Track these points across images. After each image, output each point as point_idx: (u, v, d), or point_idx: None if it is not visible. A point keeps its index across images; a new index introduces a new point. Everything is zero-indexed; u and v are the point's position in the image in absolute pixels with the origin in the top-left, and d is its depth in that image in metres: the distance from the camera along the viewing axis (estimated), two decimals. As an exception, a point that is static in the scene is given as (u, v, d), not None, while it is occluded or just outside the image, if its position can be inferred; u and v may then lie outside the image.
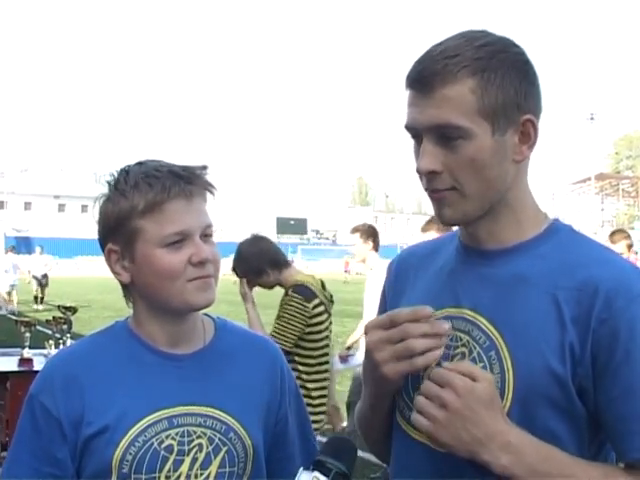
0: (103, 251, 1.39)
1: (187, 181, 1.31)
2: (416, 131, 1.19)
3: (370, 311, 5.50)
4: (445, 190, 1.17)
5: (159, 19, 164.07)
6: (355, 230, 5.52)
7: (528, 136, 1.18)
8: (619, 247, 6.03)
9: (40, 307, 20.10)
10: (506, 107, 1.15)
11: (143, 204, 1.30)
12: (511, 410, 1.13)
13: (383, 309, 1.42)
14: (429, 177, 1.18)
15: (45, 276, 21.82)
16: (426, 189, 1.21)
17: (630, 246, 6.45)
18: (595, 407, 1.13)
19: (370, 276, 5.47)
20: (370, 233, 5.44)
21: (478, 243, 1.24)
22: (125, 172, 1.35)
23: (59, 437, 1.32)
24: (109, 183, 1.36)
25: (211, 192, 1.37)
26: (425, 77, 1.15)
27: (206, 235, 1.35)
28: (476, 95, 1.14)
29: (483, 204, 1.18)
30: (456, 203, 1.18)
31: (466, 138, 1.14)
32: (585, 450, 1.16)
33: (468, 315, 1.21)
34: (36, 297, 21.23)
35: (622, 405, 1.11)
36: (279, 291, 3.95)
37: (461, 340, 1.21)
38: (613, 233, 6.63)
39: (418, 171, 1.18)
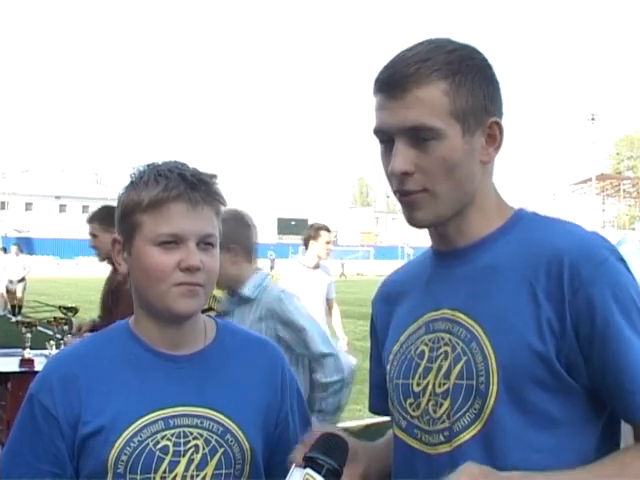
0: None
1: (191, 186, 1.32)
2: (386, 134, 1.21)
3: None
4: (416, 192, 1.20)
5: (161, 20, 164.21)
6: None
7: (494, 138, 1.22)
8: None
9: (14, 318, 14.38)
10: (475, 109, 1.19)
11: (147, 200, 1.31)
12: (499, 395, 1.14)
13: (375, 344, 1.47)
14: (401, 178, 1.20)
15: (22, 280, 18.61)
16: (396, 191, 1.23)
17: None
18: (590, 378, 1.14)
19: None
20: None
21: (448, 243, 1.28)
22: (145, 167, 1.37)
23: (58, 435, 1.32)
24: (130, 175, 1.38)
25: (219, 201, 1.37)
26: (397, 80, 1.18)
27: (206, 243, 1.34)
28: (448, 97, 1.17)
29: (453, 205, 1.22)
30: (427, 205, 1.20)
31: (438, 139, 1.17)
32: (592, 426, 1.16)
33: (448, 314, 1.24)
34: (13, 306, 18.17)
35: (615, 370, 1.12)
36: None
37: (443, 340, 1.23)
38: None
39: (391, 172, 1.20)
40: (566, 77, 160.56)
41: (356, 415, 6.83)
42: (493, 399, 1.15)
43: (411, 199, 1.21)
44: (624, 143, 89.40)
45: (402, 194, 1.22)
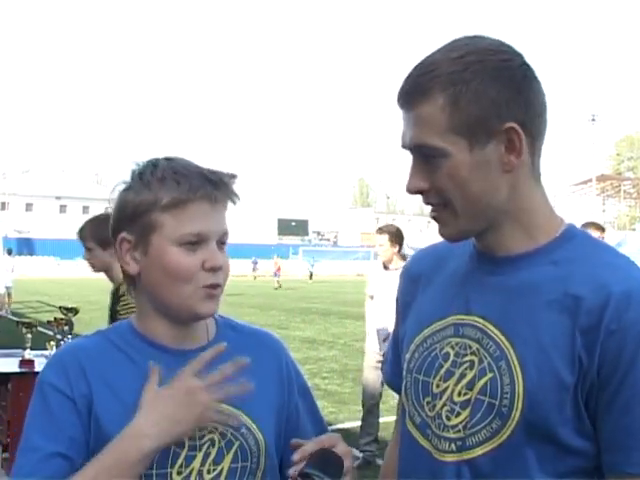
0: (114, 238, 1.36)
1: (214, 186, 1.31)
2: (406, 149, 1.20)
3: None
4: (438, 206, 1.18)
5: (161, 21, 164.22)
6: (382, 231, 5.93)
7: (513, 144, 1.13)
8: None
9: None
10: (483, 120, 1.11)
11: (167, 199, 1.29)
12: (520, 421, 1.12)
13: (399, 316, 1.42)
14: (422, 194, 1.19)
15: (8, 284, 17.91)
16: (426, 204, 1.23)
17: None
18: (594, 416, 1.12)
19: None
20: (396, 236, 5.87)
21: (490, 250, 1.23)
22: (153, 165, 1.34)
23: (74, 416, 1.29)
24: (133, 172, 1.35)
25: (234, 201, 1.36)
26: (404, 95, 1.16)
27: (222, 242, 1.35)
28: (445, 113, 1.11)
29: (477, 219, 1.17)
30: (449, 221, 1.18)
31: (444, 156, 1.13)
32: (597, 456, 1.13)
33: (478, 323, 1.20)
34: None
35: (623, 417, 1.09)
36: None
37: (470, 348, 1.20)
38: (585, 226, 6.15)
39: (407, 190, 1.19)
40: (566, 77, 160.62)
41: (356, 416, 6.82)
42: (514, 423, 1.12)
43: (436, 215, 1.19)
44: (624, 144, 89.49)
45: (430, 208, 1.21)
